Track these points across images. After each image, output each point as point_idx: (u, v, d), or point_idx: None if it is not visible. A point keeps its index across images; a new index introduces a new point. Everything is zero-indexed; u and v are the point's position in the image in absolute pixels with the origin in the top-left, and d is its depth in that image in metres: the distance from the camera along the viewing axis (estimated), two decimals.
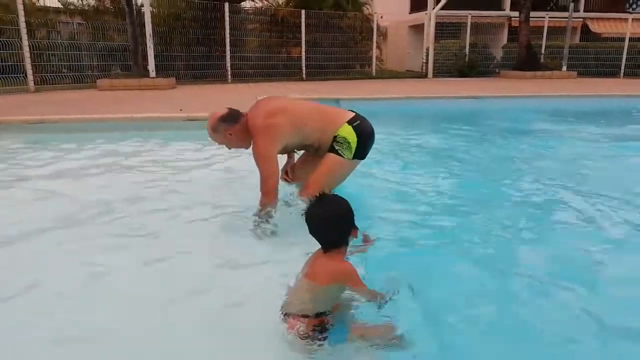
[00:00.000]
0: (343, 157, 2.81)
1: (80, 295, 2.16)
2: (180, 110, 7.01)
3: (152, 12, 12.22)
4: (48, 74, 11.77)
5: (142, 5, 12.38)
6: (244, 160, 4.72)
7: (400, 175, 4.20)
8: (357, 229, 1.83)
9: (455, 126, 7.29)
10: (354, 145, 2.80)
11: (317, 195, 1.81)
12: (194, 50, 14.44)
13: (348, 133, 2.80)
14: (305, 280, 1.77)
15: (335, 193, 1.86)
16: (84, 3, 14.41)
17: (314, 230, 1.79)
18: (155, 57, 12.02)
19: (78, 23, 14.13)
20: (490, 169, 4.76)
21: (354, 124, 2.83)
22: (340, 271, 1.75)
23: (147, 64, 11.92)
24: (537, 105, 9.88)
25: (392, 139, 5.98)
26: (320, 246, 1.82)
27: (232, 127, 2.79)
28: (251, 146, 2.81)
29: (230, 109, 2.87)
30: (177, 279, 2.30)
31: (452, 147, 5.71)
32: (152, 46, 11.75)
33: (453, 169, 4.62)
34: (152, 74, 11.86)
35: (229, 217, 3.06)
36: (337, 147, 2.83)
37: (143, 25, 11.98)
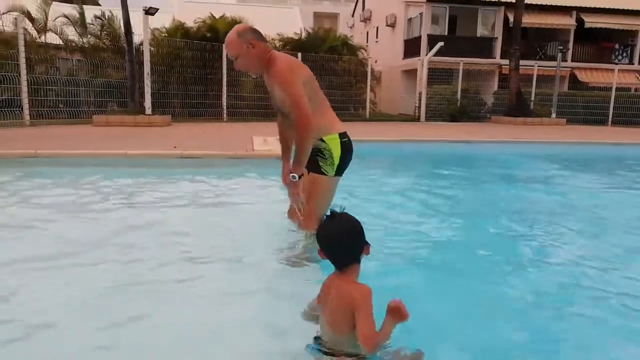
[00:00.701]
0: (327, 174, 2.80)
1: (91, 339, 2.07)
2: (175, 147, 7.03)
3: (151, 51, 12.45)
4: (44, 109, 11.83)
5: (141, 44, 12.63)
6: (238, 197, 4.73)
7: (392, 213, 4.19)
8: (369, 245, 1.83)
9: (448, 168, 7.34)
10: (336, 161, 2.79)
11: (328, 214, 1.83)
12: (190, 88, 14.65)
13: (335, 146, 2.79)
14: (332, 329, 1.76)
15: (345, 211, 1.87)
16: (85, 41, 14.68)
17: (327, 249, 1.80)
18: (152, 94, 12.16)
19: (77, 59, 14.35)
20: (478, 210, 4.76)
21: (343, 140, 2.83)
22: (356, 295, 1.69)
23: (144, 101, 12.04)
24: (527, 150, 10.01)
25: (386, 180, 6.01)
26: (332, 270, 1.82)
27: (257, 42, 2.70)
28: (271, 81, 2.73)
29: None
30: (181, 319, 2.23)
31: (444, 188, 5.73)
32: (149, 84, 11.90)
33: (444, 208, 4.64)
34: (148, 111, 11.96)
35: (226, 252, 3.04)
36: (320, 162, 2.80)
37: (141, 64, 12.18)
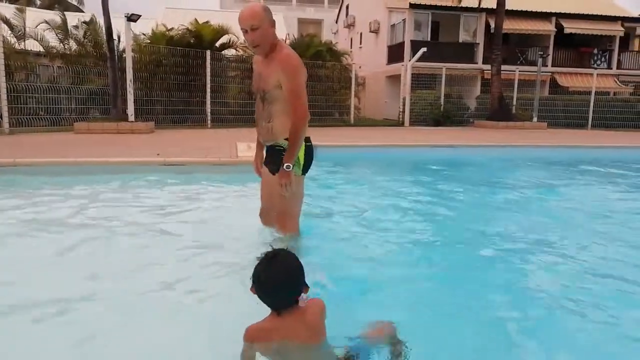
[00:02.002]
0: (295, 174, 2.90)
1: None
2: (158, 154, 6.95)
3: (133, 58, 12.33)
4: (24, 116, 11.63)
5: (124, 51, 12.51)
6: (222, 203, 4.69)
7: (377, 218, 4.19)
8: (308, 287, 1.74)
9: (433, 173, 7.39)
10: (301, 160, 2.94)
11: (267, 254, 1.72)
12: (174, 95, 14.54)
13: (301, 148, 2.91)
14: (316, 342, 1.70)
15: (284, 248, 1.80)
16: (66, 47, 14.49)
17: (271, 290, 1.67)
18: (135, 101, 12.04)
19: (58, 66, 14.15)
20: (463, 214, 4.79)
21: (307, 144, 2.96)
22: (319, 309, 1.71)
23: (127, 108, 11.91)
24: (512, 154, 10.13)
25: (369, 185, 6.01)
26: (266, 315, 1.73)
27: (273, 25, 2.81)
28: (270, 74, 2.83)
29: None
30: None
31: (429, 193, 5.76)
32: (132, 91, 11.79)
33: (428, 213, 4.65)
34: (131, 118, 11.83)
35: (211, 257, 3.03)
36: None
37: (124, 70, 12.06)
